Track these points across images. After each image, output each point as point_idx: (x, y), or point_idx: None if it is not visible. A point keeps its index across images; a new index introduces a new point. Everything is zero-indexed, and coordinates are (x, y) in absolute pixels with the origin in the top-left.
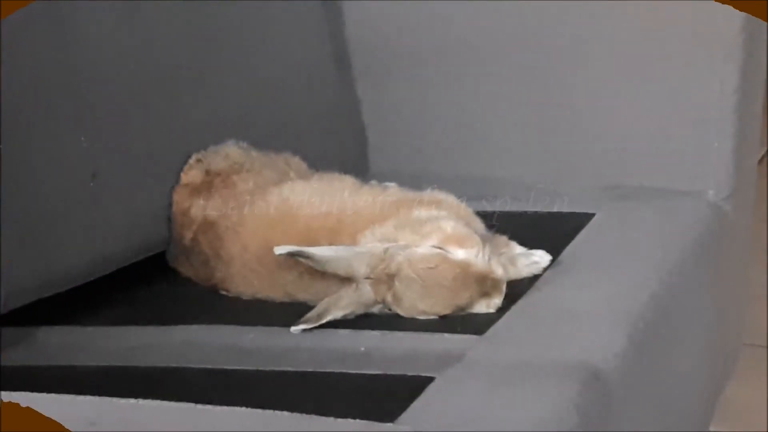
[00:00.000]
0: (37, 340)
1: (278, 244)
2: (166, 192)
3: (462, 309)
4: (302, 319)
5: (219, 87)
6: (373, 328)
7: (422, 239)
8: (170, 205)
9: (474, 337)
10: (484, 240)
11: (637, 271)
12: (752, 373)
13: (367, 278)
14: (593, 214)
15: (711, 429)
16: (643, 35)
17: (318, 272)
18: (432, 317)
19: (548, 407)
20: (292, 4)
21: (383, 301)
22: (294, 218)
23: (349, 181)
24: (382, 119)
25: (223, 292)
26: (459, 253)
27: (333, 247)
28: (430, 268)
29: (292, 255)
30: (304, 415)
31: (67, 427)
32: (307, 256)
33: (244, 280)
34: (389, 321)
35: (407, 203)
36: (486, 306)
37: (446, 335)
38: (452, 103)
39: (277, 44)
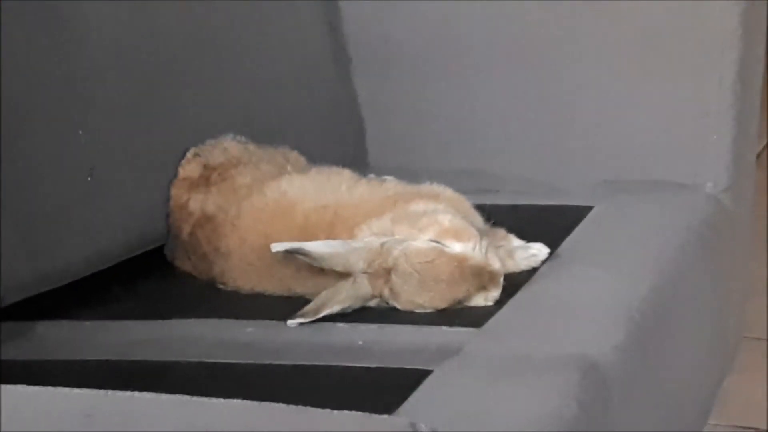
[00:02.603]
0: (36, 334)
1: (276, 238)
2: (164, 186)
3: (459, 302)
4: (299, 313)
5: (217, 82)
6: (370, 322)
7: (419, 233)
8: (168, 199)
9: (472, 330)
10: (482, 233)
11: (636, 264)
12: (752, 367)
13: (365, 272)
14: (591, 207)
15: (711, 422)
16: (641, 29)
17: (316, 266)
18: (429, 310)
19: (546, 400)
20: (290, 1)
21: (380, 295)
22: (292, 212)
23: (346, 174)
24: (380, 114)
25: (221, 286)
26: (456, 247)
27: (330, 243)
28: (427, 261)
29: (289, 252)
30: (301, 407)
31: (62, 419)
32: (305, 253)
33: (242, 274)
34: (387, 314)
35: (405, 196)
36: (484, 299)
37: (444, 328)
38: (450, 97)
39: (275, 40)
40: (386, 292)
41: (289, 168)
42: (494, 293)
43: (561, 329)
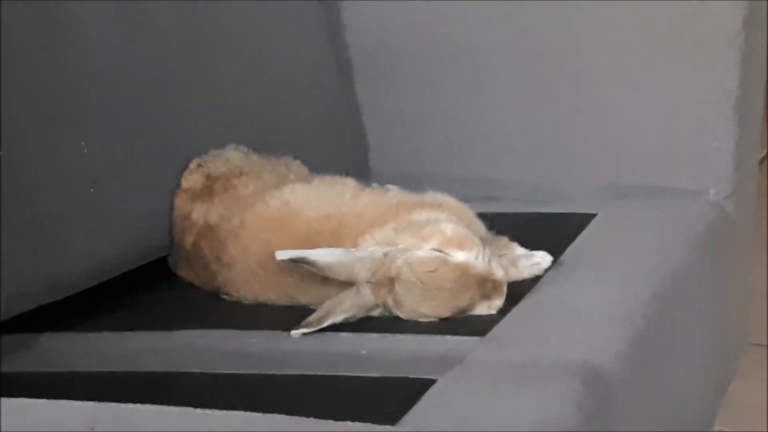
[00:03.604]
0: (39, 346)
1: (279, 248)
2: (166, 197)
3: (463, 311)
4: (303, 323)
5: (219, 91)
6: (374, 331)
7: (422, 242)
8: (171, 209)
9: (475, 338)
10: (485, 241)
11: (639, 271)
12: (755, 372)
13: (368, 282)
14: (594, 215)
15: (713, 428)
16: (643, 35)
17: (319, 276)
18: (433, 320)
19: (550, 408)
20: (291, 7)
21: (384, 305)
22: (295, 221)
23: (349, 183)
24: (382, 121)
25: (225, 297)
26: (459, 256)
27: (334, 252)
28: (430, 271)
29: (294, 261)
30: (305, 418)
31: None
32: (309, 262)
33: (246, 284)
34: (390, 323)
35: (407, 206)
36: (487, 308)
37: (447, 337)
38: (452, 104)
39: (277, 48)
40: (390, 302)
41: (291, 177)
42: (497, 302)
43: (564, 337)
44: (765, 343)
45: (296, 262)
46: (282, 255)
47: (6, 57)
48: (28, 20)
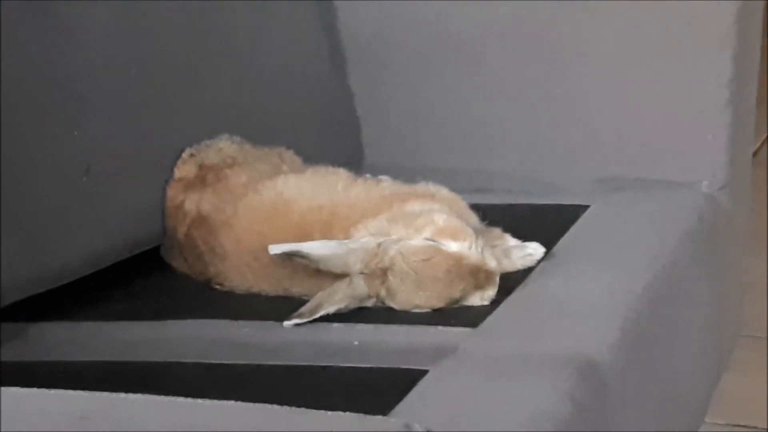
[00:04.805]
0: (33, 335)
1: (272, 238)
2: (159, 187)
3: (456, 302)
4: (295, 314)
5: (212, 81)
6: (366, 322)
7: (415, 232)
8: (164, 199)
9: (468, 329)
10: (478, 232)
11: (632, 263)
12: (751, 365)
13: (362, 273)
14: (587, 206)
15: (710, 421)
16: (637, 27)
17: (312, 267)
18: (426, 310)
19: (543, 399)
20: None
21: (377, 296)
22: (288, 212)
23: (342, 174)
24: (375, 113)
25: (217, 287)
26: (452, 246)
27: (327, 244)
28: (424, 260)
29: (287, 255)
30: (296, 408)
31: (57, 421)
32: (303, 256)
33: (238, 275)
34: (383, 314)
35: (401, 196)
36: (480, 298)
37: (440, 328)
38: (446, 95)
39: (270, 39)
40: (383, 293)
41: (284, 168)
42: (490, 292)
43: (557, 328)
44: (763, 335)
45: (289, 255)
46: (275, 249)
47: (2, 48)
48: (23, 12)
